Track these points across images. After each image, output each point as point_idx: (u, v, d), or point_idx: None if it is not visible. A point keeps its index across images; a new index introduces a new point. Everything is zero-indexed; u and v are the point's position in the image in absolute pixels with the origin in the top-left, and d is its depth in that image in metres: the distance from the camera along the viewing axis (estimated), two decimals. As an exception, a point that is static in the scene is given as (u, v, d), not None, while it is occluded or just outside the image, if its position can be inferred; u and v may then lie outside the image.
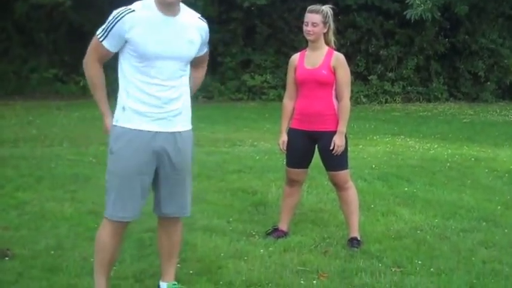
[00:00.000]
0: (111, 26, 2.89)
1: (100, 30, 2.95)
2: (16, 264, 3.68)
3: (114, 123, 3.02)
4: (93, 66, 3.02)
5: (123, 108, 2.98)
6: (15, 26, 16.83)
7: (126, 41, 2.90)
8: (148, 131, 2.95)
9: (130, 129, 2.96)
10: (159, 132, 2.97)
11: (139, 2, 2.97)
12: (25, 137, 8.86)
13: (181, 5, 3.03)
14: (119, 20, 2.88)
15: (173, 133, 3.02)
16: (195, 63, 3.19)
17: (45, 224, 4.51)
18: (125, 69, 2.97)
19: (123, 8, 2.92)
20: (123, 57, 2.97)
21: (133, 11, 2.90)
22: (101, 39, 2.93)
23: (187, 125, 3.11)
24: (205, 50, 3.22)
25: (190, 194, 3.23)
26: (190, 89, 3.16)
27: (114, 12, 2.91)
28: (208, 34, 3.18)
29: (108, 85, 3.10)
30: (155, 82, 2.94)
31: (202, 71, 3.34)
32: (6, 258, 3.75)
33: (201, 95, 15.89)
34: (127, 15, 2.88)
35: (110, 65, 3.14)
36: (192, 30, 3.05)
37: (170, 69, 2.96)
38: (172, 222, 3.21)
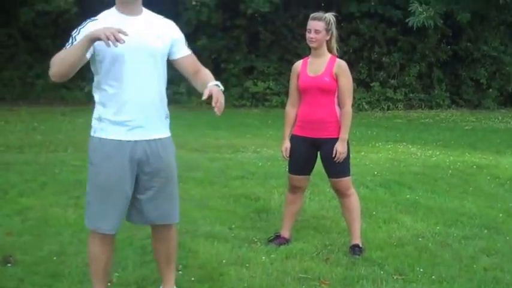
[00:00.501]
0: (76, 34, 2.87)
1: (66, 44, 2.91)
2: (18, 270, 3.68)
3: (92, 134, 2.99)
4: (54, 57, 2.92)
5: (100, 119, 2.95)
6: (21, 33, 16.99)
7: (93, 48, 2.83)
8: (128, 141, 2.92)
9: (109, 139, 2.92)
10: (138, 141, 2.94)
11: (102, 13, 2.99)
12: (30, 142, 8.91)
13: (145, 9, 3.02)
14: (82, 28, 2.88)
15: (154, 140, 2.99)
16: (188, 70, 3.10)
17: (48, 230, 4.52)
18: (98, 79, 2.95)
19: (85, 20, 2.94)
20: (94, 67, 2.94)
21: (96, 19, 2.93)
22: (67, 48, 2.88)
23: (165, 132, 3.07)
24: (189, 51, 3.10)
25: (176, 200, 3.17)
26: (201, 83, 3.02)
27: (77, 27, 2.92)
28: (179, 30, 3.09)
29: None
30: (129, 88, 2.88)
31: (204, 71, 3.13)
32: (9, 265, 3.75)
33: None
34: (89, 23, 2.90)
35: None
36: (157, 25, 3.01)
37: (142, 68, 2.89)
38: (163, 229, 3.17)
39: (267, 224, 4.85)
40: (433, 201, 5.74)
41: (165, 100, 3.08)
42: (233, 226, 4.76)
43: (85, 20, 2.97)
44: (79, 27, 2.91)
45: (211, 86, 2.87)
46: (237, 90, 17.12)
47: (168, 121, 3.11)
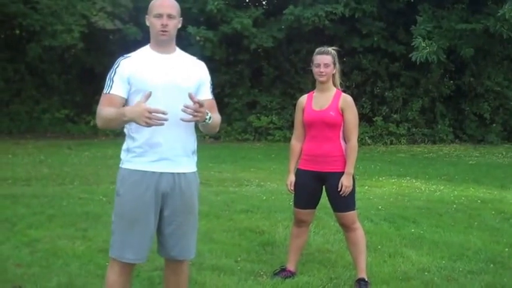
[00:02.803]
0: (112, 75, 3.01)
1: (104, 88, 3.03)
2: (28, 301, 3.72)
3: (120, 166, 3.10)
4: (101, 108, 3.00)
5: (128, 150, 3.05)
6: (28, 68, 17.32)
7: (128, 83, 2.99)
8: (153, 172, 3.01)
9: (135, 170, 3.01)
10: (163, 173, 3.02)
11: (136, 51, 3.12)
12: (37, 175, 8.98)
13: (177, 48, 3.15)
14: (117, 67, 3.02)
15: (178, 174, 3.06)
16: None
17: (56, 261, 4.55)
18: None
19: (119, 58, 3.07)
20: (127, 100, 3.04)
21: (129, 56, 3.07)
22: (108, 92, 3.01)
23: (191, 167, 3.15)
24: (210, 95, 3.22)
25: (195, 236, 3.24)
26: (207, 128, 3.14)
27: (112, 65, 3.05)
28: (208, 73, 3.22)
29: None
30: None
31: (215, 115, 3.27)
32: (18, 296, 3.79)
33: (208, 136, 16.10)
34: (123, 61, 3.04)
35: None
36: (188, 64, 3.15)
37: (171, 104, 2.96)
38: (178, 263, 3.23)
39: (272, 257, 4.86)
40: (438, 235, 5.74)
41: (194, 136, 3.16)
42: (239, 259, 4.78)
43: (118, 57, 3.08)
44: (114, 67, 3.04)
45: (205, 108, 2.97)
46: (240, 124, 17.29)
47: (195, 157, 3.18)
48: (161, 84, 2.99)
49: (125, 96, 3.02)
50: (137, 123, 2.82)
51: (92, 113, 16.88)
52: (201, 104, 2.92)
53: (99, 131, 15.24)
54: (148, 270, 4.23)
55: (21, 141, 14.35)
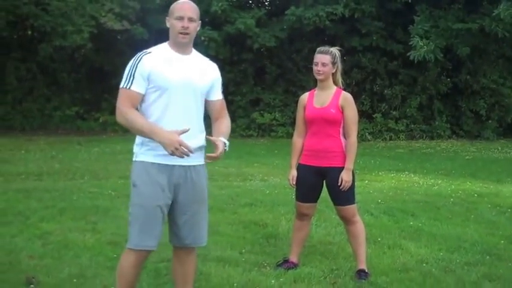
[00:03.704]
0: (133, 70, 3.11)
1: (123, 81, 3.12)
2: (41, 291, 3.81)
3: (134, 159, 3.22)
4: (129, 111, 3.11)
5: (142, 144, 3.18)
6: (40, 67, 17.57)
7: (148, 80, 3.10)
8: (166, 165, 3.14)
9: (150, 163, 3.15)
10: (176, 165, 3.15)
11: (154, 46, 3.23)
12: (48, 170, 9.11)
13: (194, 50, 3.29)
14: (138, 62, 3.12)
15: (189, 166, 3.20)
16: (214, 113, 3.35)
17: (68, 253, 4.66)
18: (144, 107, 3.16)
19: (140, 52, 3.18)
20: (143, 96, 3.16)
21: (150, 52, 3.18)
22: (128, 87, 3.11)
23: (201, 160, 3.29)
24: (221, 96, 3.38)
25: (207, 224, 3.37)
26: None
27: (132, 59, 3.14)
28: (219, 75, 3.38)
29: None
30: (171, 117, 3.12)
31: (226, 121, 3.37)
32: (32, 286, 3.89)
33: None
34: (144, 56, 3.14)
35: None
36: (203, 65, 3.30)
37: (184, 101, 3.13)
38: (187, 251, 3.35)
39: (276, 249, 4.96)
40: (436, 228, 5.83)
41: (204, 133, 3.30)
42: (243, 251, 4.88)
43: (138, 53, 3.18)
44: (135, 62, 3.12)
45: (222, 142, 3.16)
46: (244, 121, 17.45)
47: (203, 151, 3.31)
48: (180, 83, 3.12)
49: (143, 93, 3.13)
50: (164, 148, 2.98)
51: (101, 110, 17.20)
52: (218, 149, 3.12)
53: (108, 127, 15.52)
54: (155, 261, 4.32)
55: (34, 138, 14.55)
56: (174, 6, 3.20)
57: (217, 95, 3.36)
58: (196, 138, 3.21)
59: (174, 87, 3.11)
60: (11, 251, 4.65)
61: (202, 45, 15.96)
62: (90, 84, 17.78)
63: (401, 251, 4.97)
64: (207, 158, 3.17)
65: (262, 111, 17.54)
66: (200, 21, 3.25)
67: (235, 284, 4.04)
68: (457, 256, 4.86)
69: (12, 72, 17.20)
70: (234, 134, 17.25)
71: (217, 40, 16.43)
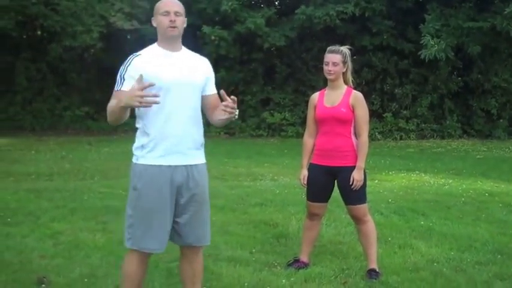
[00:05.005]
0: (123, 73, 3.12)
1: (116, 85, 3.14)
2: (53, 290, 3.84)
3: (134, 161, 3.21)
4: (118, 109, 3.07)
5: (142, 147, 3.17)
6: (50, 67, 17.74)
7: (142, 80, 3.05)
8: (168, 166, 3.14)
9: (151, 165, 3.14)
10: (178, 166, 3.16)
11: (144, 49, 3.25)
12: (59, 170, 9.20)
13: (183, 46, 3.28)
14: (128, 65, 3.14)
15: (190, 166, 3.20)
16: (212, 107, 3.32)
17: (78, 253, 4.69)
18: (140, 109, 3.13)
19: (130, 56, 3.19)
20: None
21: (140, 54, 3.19)
22: (119, 88, 3.11)
23: (202, 159, 3.29)
24: (215, 90, 3.36)
25: (209, 224, 3.37)
26: (224, 122, 3.28)
27: (123, 63, 3.16)
28: (212, 69, 3.37)
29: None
30: (170, 116, 3.11)
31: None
32: (43, 285, 3.92)
33: (223, 131, 16.33)
34: (134, 59, 3.16)
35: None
36: (195, 60, 3.29)
37: (181, 98, 3.13)
38: (193, 251, 3.35)
39: (286, 249, 4.97)
40: (447, 227, 5.82)
41: (201, 130, 3.30)
42: (254, 250, 4.89)
43: (129, 56, 3.20)
44: (125, 65, 3.15)
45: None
46: (254, 120, 17.51)
47: (203, 149, 3.32)
48: (174, 80, 3.12)
49: None
50: (132, 105, 2.92)
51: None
52: (234, 100, 3.07)
53: (118, 127, 15.53)
54: (167, 261, 4.33)
55: (44, 138, 14.68)
56: (158, 4, 3.22)
57: (212, 89, 3.35)
58: (194, 136, 3.22)
59: (167, 85, 3.10)
60: (22, 251, 4.69)
61: (212, 45, 16.02)
62: (100, 84, 17.79)
63: (412, 251, 4.96)
64: (223, 106, 3.08)
65: (272, 111, 17.60)
66: (186, 18, 3.24)
67: (246, 284, 4.05)
68: (468, 255, 4.84)
69: (22, 73, 17.35)
70: (244, 134, 17.40)
71: (227, 39, 16.45)
